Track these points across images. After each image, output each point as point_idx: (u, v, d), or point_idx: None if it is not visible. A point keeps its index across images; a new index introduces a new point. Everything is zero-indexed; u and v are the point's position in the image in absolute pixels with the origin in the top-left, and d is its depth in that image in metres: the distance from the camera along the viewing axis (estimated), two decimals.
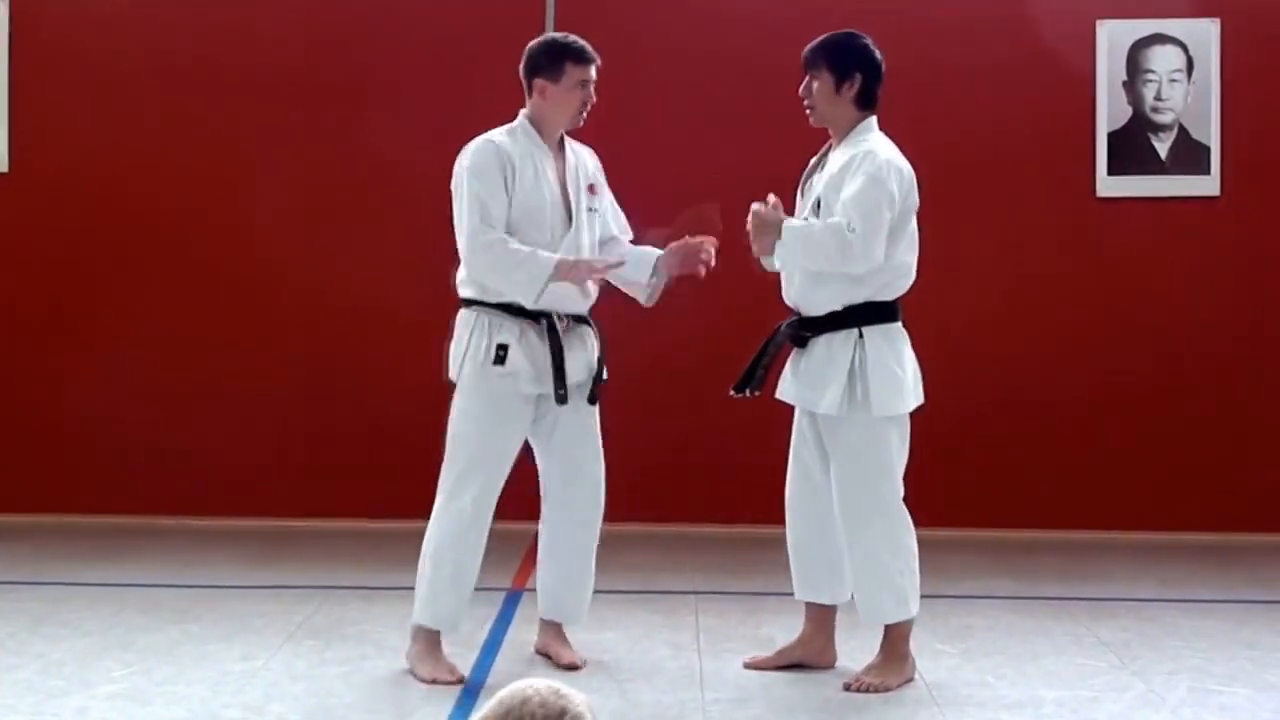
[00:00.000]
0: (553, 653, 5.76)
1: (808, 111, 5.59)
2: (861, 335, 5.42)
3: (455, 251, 5.59)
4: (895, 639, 5.51)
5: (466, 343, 5.53)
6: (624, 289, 5.80)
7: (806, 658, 5.65)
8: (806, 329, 5.50)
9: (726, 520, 7.98)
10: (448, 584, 5.57)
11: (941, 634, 6.09)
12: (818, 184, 5.54)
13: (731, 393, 5.61)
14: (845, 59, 5.53)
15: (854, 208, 5.33)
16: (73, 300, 8.50)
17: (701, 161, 8.01)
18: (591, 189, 5.70)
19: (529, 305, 5.48)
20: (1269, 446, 8.28)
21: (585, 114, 5.64)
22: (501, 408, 5.53)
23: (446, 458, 5.58)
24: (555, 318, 5.54)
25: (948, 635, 6.10)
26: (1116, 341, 8.27)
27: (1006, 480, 8.28)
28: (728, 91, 8.19)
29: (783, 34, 8.28)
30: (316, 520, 8.34)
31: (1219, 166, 8.26)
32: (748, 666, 5.70)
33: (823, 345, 5.45)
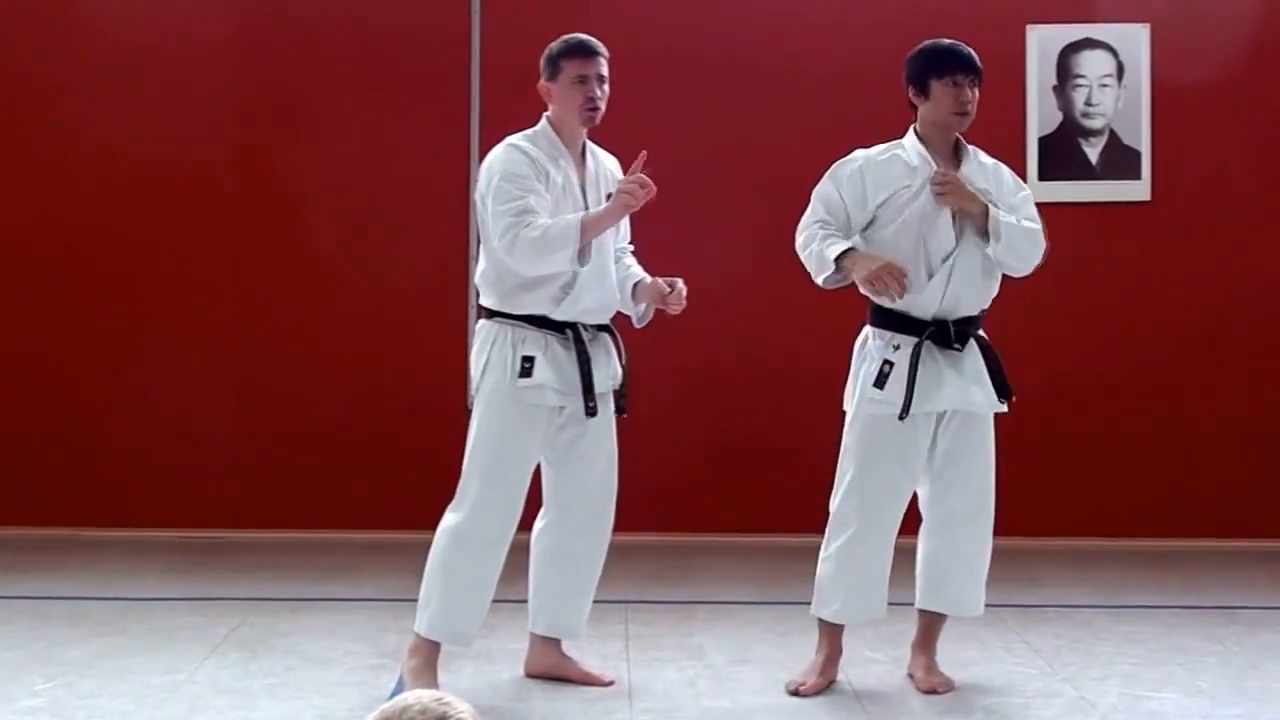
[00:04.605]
0: (572, 674, 5.56)
1: (965, 119, 5.69)
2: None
3: (476, 260, 5.39)
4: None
5: (488, 355, 5.35)
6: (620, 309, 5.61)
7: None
8: (964, 328, 5.46)
9: (656, 529, 7.92)
10: (465, 597, 5.33)
11: (872, 641, 6.06)
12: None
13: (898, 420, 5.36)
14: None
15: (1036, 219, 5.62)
16: None
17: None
18: (609, 198, 5.42)
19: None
20: (1202, 451, 8.31)
21: (595, 112, 5.43)
22: (526, 419, 5.33)
23: (465, 469, 5.36)
24: (581, 329, 5.40)
25: (878, 642, 6.06)
26: (1046, 348, 8.24)
27: None
28: (667, 90, 8.10)
29: (720, 29, 8.29)
30: (244, 531, 8.25)
31: (1150, 172, 8.28)
32: (794, 694, 5.45)
33: (972, 344, 5.47)
